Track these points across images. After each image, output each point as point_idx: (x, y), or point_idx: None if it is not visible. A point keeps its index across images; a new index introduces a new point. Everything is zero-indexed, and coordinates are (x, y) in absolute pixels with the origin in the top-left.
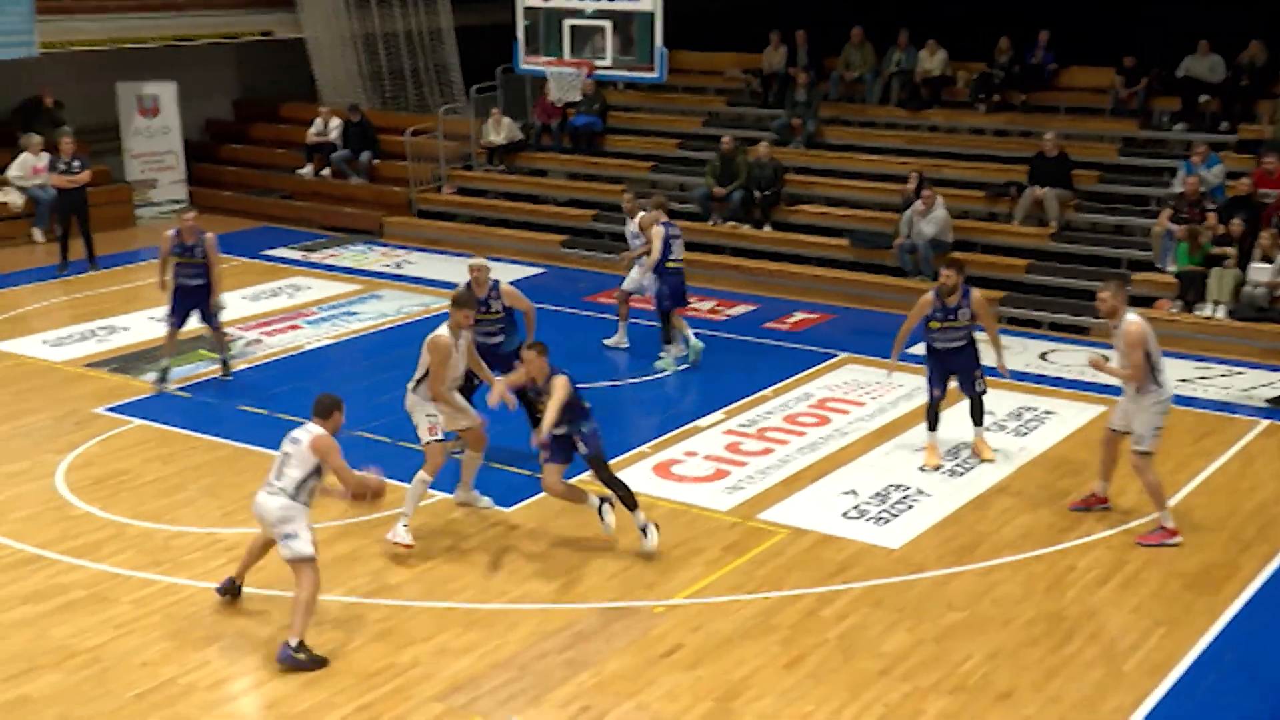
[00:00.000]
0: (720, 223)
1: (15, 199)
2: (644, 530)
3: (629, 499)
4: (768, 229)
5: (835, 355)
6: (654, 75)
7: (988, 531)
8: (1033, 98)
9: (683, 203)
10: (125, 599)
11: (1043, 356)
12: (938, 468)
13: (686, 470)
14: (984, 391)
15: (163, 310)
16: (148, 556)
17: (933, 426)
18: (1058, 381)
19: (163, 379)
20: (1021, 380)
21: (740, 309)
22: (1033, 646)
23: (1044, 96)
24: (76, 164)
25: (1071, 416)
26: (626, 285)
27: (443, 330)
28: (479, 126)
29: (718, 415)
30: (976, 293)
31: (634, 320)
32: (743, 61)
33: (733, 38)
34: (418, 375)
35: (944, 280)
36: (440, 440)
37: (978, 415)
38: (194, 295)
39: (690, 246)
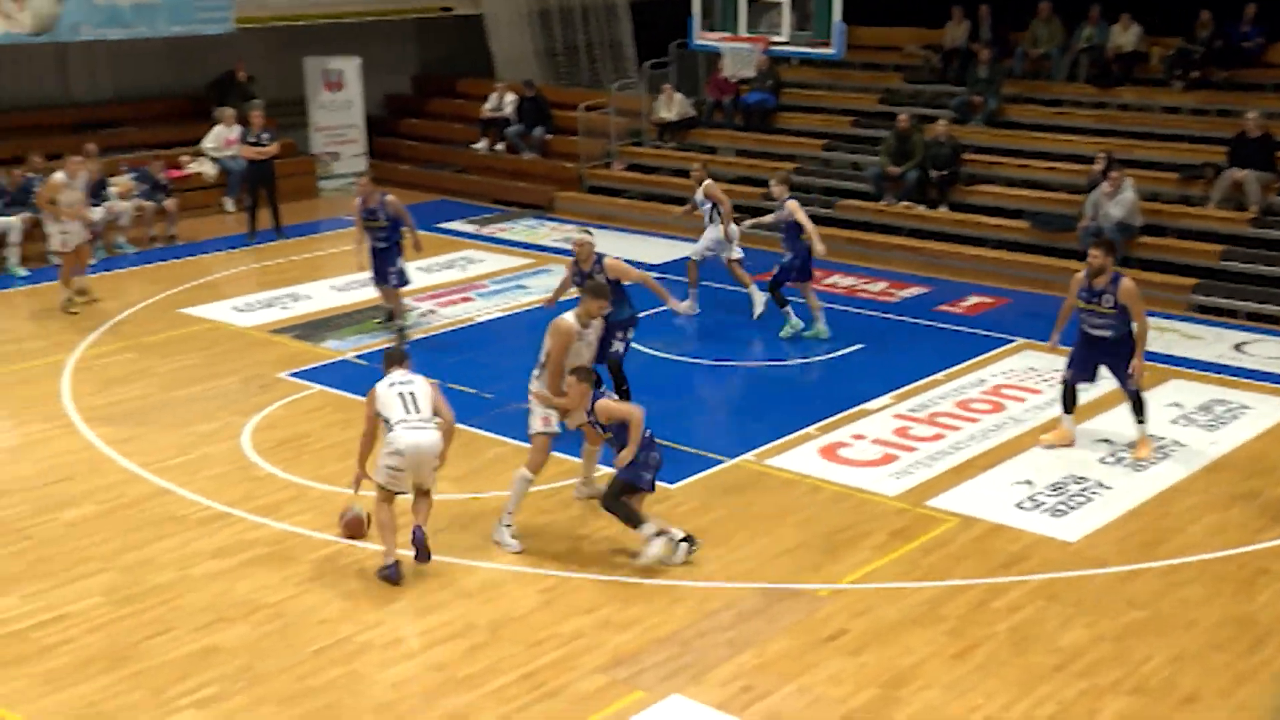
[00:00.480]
0: (894, 203)
1: (209, 169)
2: (649, 542)
3: (635, 520)
4: (943, 209)
5: (1011, 341)
6: (831, 51)
7: (1173, 528)
8: (1235, 75)
9: (857, 181)
10: (306, 558)
11: (1238, 348)
12: (1051, 446)
13: (854, 454)
14: (1138, 389)
15: (343, 279)
16: (327, 518)
17: (1067, 409)
18: (1254, 374)
19: (401, 339)
20: (1214, 372)
21: (913, 291)
22: (1220, 650)
23: (1248, 74)
24: (265, 136)
25: (1268, 412)
26: (696, 254)
27: (569, 316)
28: (651, 102)
29: (886, 399)
30: (1127, 280)
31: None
32: (922, 37)
33: (912, 12)
34: (541, 360)
35: (1091, 260)
36: (550, 433)
37: (1138, 411)
38: (384, 257)
39: (863, 226)
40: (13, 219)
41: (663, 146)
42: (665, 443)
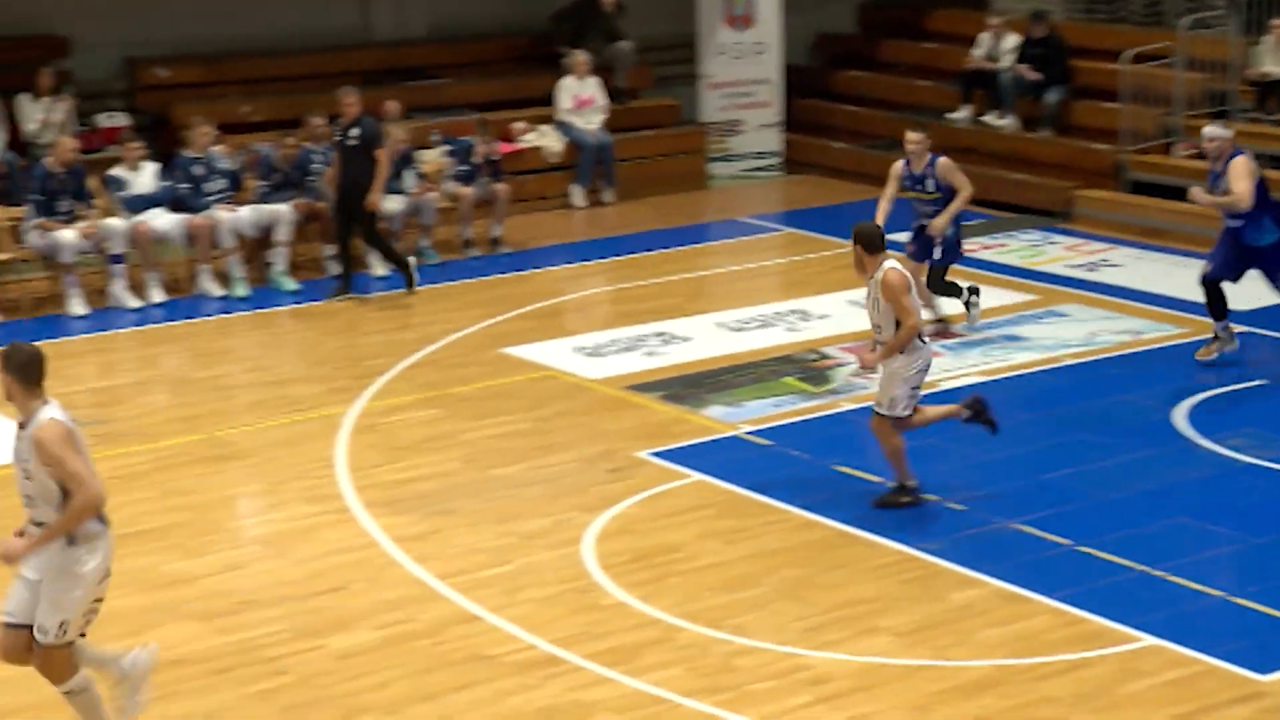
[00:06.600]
0: None
1: (553, 142)
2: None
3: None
4: None
5: None
6: None
7: None
8: None
9: None
10: None
11: None
12: None
13: None
14: None
15: (743, 312)
16: (701, 678)
17: None
18: None
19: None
20: None
21: None
22: None
23: None
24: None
25: None
26: None
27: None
28: (1246, 49)
29: None
30: None
31: None
32: None
33: None
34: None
35: None
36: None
37: None
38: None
39: None
40: (281, 207)
41: (1262, 119)
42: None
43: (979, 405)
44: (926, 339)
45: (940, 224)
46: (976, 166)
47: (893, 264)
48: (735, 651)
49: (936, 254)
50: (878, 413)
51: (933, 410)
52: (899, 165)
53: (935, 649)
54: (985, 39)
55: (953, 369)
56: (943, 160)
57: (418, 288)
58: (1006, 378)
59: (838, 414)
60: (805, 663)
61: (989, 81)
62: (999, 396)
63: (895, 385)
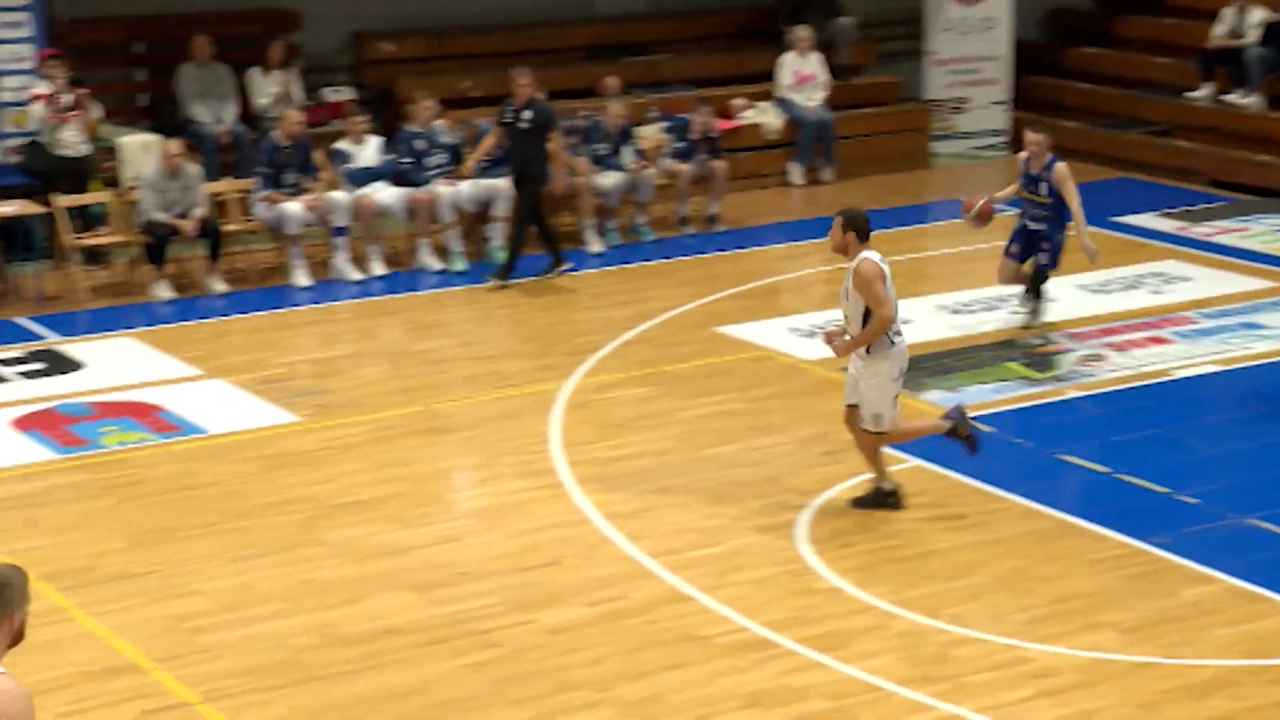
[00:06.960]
0: None
1: (773, 120)
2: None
3: None
4: None
5: None
6: None
7: None
8: None
9: None
10: None
11: None
12: None
13: None
14: None
15: (963, 295)
16: (915, 667)
17: None
18: None
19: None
20: None
21: None
22: None
23: None
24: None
25: None
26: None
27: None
28: None
29: None
30: None
31: None
32: None
33: None
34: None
35: None
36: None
37: None
38: (1034, 240)
39: None
40: (500, 182)
41: None
42: None
43: (960, 417)
44: (900, 337)
45: (1091, 246)
46: (1217, 147)
47: (870, 254)
48: (952, 641)
49: (1044, 259)
50: (865, 430)
51: (913, 424)
52: (1023, 159)
53: (1163, 646)
54: (1228, 14)
55: (1188, 357)
56: (1060, 166)
57: (510, 281)
58: (1244, 368)
59: (1062, 401)
60: (1026, 655)
61: (1232, 59)
62: (1236, 387)
63: (881, 399)
